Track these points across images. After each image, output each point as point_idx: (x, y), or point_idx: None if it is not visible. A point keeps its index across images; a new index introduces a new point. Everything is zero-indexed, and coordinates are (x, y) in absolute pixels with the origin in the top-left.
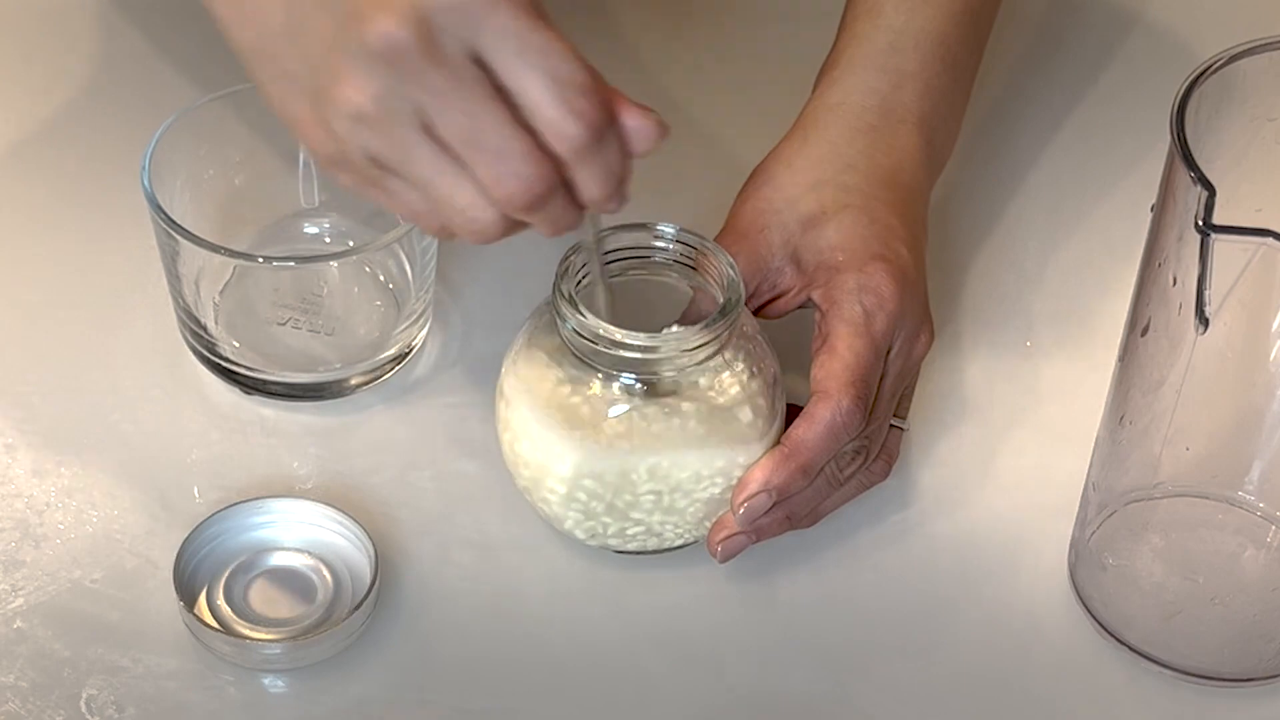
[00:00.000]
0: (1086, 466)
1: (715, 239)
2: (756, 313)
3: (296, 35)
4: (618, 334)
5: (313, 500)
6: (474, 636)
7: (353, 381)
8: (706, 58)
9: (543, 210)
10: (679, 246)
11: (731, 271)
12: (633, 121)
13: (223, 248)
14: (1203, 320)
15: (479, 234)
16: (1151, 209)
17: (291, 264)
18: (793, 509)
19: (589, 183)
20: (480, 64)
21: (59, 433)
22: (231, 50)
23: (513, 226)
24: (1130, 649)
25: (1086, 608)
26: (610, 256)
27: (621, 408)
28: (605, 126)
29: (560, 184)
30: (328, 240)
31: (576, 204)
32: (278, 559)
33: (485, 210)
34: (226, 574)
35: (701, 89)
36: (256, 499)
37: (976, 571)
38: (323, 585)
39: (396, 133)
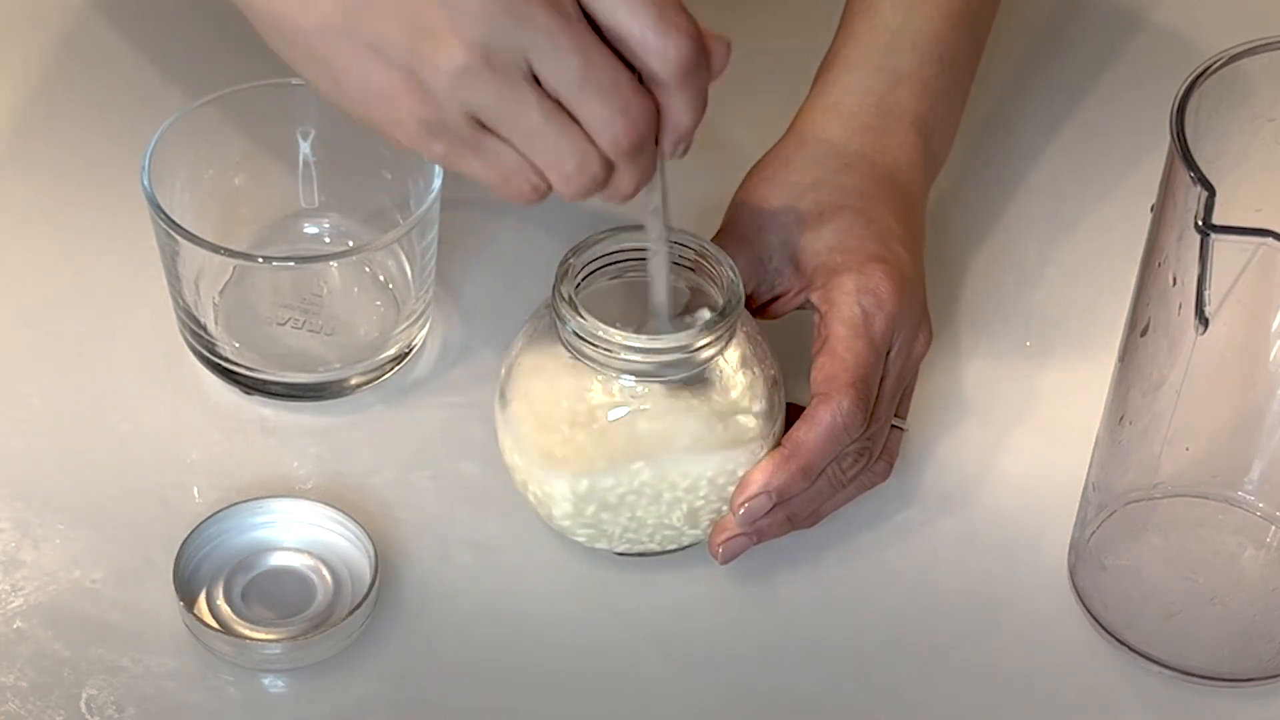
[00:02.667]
0: (1086, 466)
1: (713, 239)
2: (755, 314)
3: (384, 2)
4: (617, 336)
5: (313, 500)
6: (474, 636)
7: (353, 381)
8: None
9: (641, 154)
10: (677, 248)
11: (730, 273)
12: (709, 44)
13: (223, 248)
14: (1203, 320)
15: (584, 183)
16: (1151, 209)
17: (291, 264)
18: (793, 510)
19: (684, 109)
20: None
21: (59, 433)
22: (285, 41)
23: (607, 179)
24: (1130, 649)
25: (1086, 608)
26: (610, 258)
27: (621, 410)
28: (701, 42)
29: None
30: (328, 240)
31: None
32: (278, 559)
33: (591, 156)
34: (226, 574)
35: None
36: (256, 499)
37: (977, 571)
38: (323, 585)
39: (505, 81)
